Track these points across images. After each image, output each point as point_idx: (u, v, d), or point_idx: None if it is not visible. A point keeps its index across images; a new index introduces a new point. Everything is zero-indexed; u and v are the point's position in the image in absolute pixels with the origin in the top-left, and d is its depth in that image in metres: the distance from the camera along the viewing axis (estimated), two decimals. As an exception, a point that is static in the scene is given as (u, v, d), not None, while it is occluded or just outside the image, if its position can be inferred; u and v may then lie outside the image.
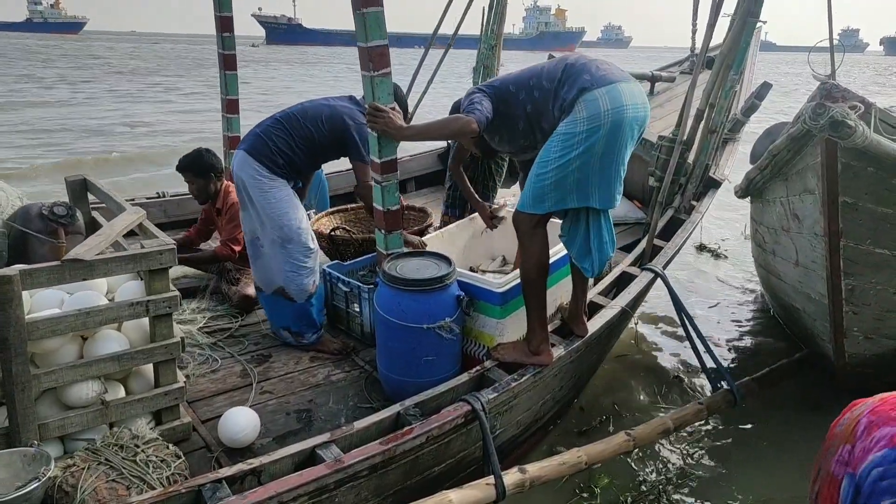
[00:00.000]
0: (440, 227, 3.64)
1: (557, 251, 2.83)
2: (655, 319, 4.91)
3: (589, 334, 2.79)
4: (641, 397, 3.83)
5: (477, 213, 3.54)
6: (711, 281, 5.87)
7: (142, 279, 2.34)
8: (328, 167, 3.78)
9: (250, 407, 2.56)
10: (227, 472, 1.92)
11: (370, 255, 3.42)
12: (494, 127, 2.61)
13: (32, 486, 1.80)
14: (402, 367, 2.61)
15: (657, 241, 3.75)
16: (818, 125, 2.66)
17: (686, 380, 4.01)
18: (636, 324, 4.66)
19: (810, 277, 3.32)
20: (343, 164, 4.08)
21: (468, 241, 3.53)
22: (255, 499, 1.79)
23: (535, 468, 2.37)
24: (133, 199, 4.21)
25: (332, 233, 3.72)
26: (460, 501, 2.12)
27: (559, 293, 3.05)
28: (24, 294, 1.95)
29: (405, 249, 2.78)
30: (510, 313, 2.70)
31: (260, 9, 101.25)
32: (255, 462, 1.97)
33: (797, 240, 3.35)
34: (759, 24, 4.23)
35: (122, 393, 2.28)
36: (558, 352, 2.65)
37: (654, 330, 4.76)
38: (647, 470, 3.10)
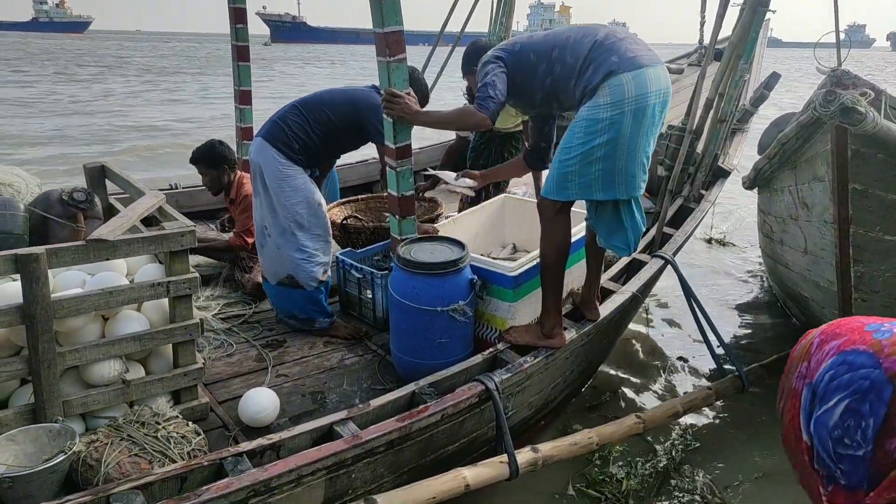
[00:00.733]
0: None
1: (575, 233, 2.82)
2: (665, 306, 4.95)
3: (601, 318, 2.82)
4: (651, 381, 3.87)
5: (488, 203, 3.57)
6: (718, 270, 5.90)
7: (160, 262, 2.38)
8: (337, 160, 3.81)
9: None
10: (247, 446, 1.96)
11: (384, 242, 3.46)
12: (510, 95, 2.51)
13: (59, 459, 1.85)
14: (415, 349, 2.65)
15: (667, 229, 3.78)
16: (829, 112, 2.67)
17: (695, 365, 4.05)
18: (647, 310, 4.69)
19: (819, 265, 3.33)
20: (353, 157, 4.11)
21: (479, 229, 3.55)
22: (276, 471, 1.83)
23: (547, 447, 2.41)
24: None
25: (344, 221, 3.76)
26: (475, 478, 2.16)
27: (570, 278, 3.08)
28: (48, 273, 1.99)
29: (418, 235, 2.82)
30: (522, 297, 2.73)
31: (264, 7, 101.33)
32: (274, 437, 2.01)
33: (806, 228, 3.37)
34: (767, 16, 4.24)
35: (142, 373, 2.32)
36: (570, 335, 2.67)
37: (665, 315, 4.80)
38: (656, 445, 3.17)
